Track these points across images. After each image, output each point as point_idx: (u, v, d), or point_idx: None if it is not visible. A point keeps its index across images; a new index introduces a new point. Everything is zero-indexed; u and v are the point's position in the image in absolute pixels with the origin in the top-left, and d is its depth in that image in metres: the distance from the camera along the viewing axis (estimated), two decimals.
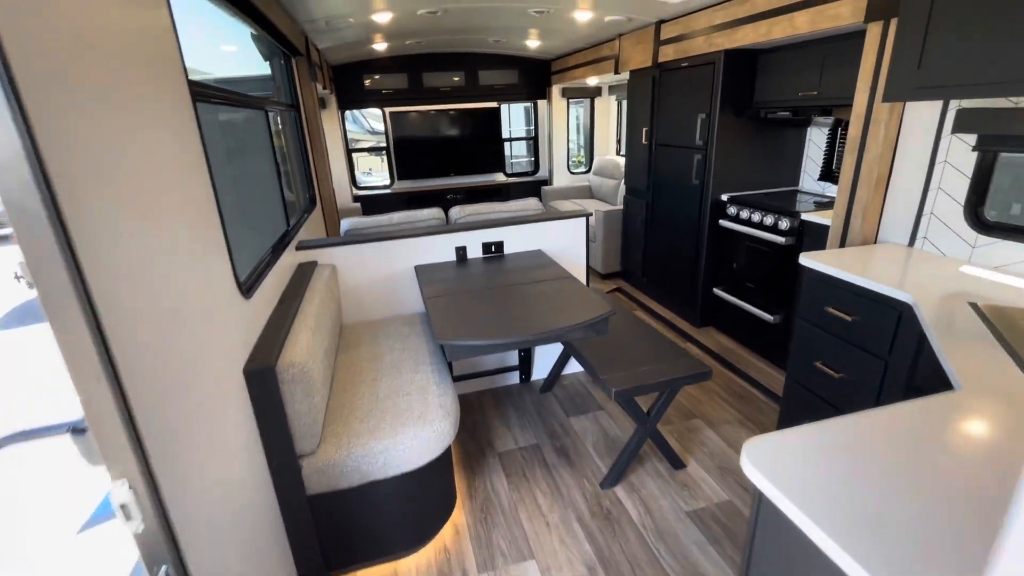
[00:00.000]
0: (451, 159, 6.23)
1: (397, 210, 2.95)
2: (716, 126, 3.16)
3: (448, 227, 2.69)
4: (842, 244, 2.38)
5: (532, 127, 6.54)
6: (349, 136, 5.86)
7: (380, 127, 6.20)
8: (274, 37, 2.71)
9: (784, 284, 2.88)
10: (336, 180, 5.55)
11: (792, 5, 2.48)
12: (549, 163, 6.31)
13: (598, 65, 4.61)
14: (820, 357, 2.01)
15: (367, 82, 5.55)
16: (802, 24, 2.45)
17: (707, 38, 3.11)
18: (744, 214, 3.08)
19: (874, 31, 2.07)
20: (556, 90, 5.95)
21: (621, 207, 4.63)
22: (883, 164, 2.18)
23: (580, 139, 6.66)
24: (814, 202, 2.98)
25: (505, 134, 6.46)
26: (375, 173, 6.55)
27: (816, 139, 3.26)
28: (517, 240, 2.80)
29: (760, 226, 2.96)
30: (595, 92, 6.08)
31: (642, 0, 3.16)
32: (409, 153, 6.08)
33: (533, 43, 4.87)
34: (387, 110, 5.84)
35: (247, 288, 1.55)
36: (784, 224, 2.78)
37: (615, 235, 4.64)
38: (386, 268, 2.65)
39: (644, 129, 3.95)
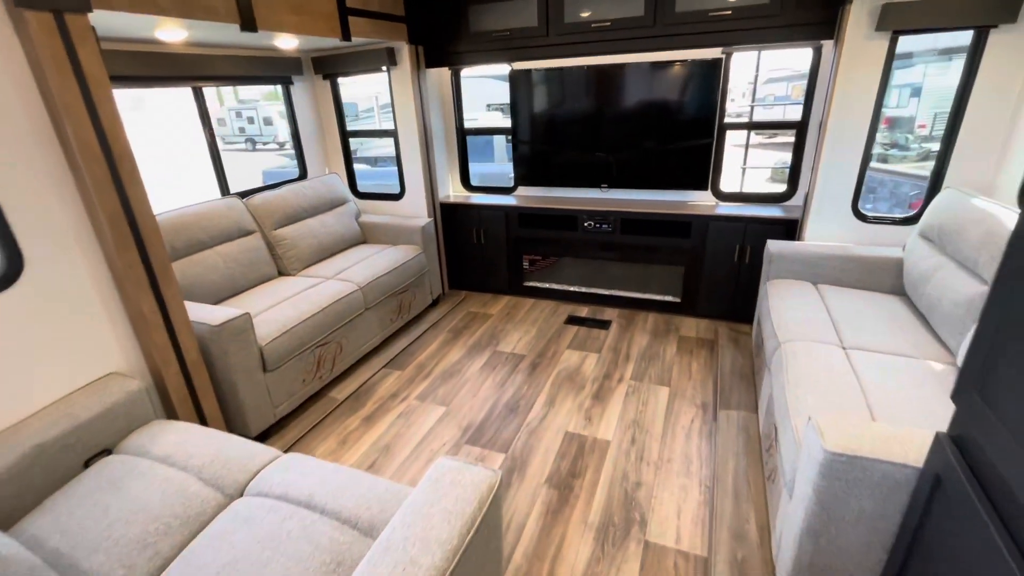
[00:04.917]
0: (610, 159, 3.46)
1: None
2: None
3: None
4: None
5: (804, 103, 3.03)
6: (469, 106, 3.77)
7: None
8: None
9: None
10: (412, 178, 3.65)
11: None
12: (811, 184, 2.82)
13: None
14: None
15: (473, 22, 3.26)
16: None
17: None
18: None
19: None
20: (855, 15, 2.37)
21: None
22: None
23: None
24: None
25: (732, 115, 3.19)
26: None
27: None
28: None
29: None
30: (983, 22, 2.19)
31: None
32: (538, 143, 3.61)
33: None
34: (513, 66, 3.46)
35: None
36: None
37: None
38: None
39: None
